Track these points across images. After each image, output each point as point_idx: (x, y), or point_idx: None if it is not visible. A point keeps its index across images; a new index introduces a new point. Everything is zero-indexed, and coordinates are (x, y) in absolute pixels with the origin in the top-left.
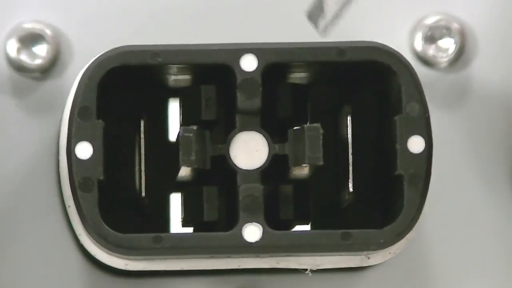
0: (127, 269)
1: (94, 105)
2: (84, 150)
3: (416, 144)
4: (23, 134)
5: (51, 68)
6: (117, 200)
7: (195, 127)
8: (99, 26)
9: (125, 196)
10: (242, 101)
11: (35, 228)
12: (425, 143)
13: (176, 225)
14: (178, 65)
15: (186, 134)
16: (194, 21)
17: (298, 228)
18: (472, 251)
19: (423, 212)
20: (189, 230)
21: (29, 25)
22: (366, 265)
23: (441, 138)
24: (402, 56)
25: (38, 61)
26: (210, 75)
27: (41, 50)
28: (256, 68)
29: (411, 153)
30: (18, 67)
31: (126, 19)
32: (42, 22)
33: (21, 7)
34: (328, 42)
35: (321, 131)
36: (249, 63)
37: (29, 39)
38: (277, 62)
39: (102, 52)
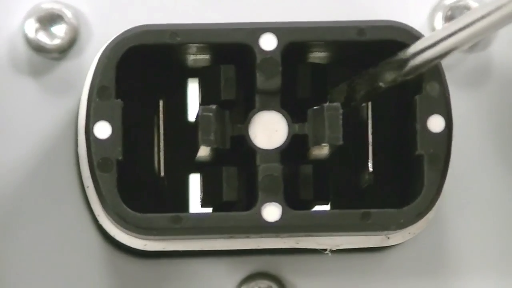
0: (145, 249)
1: (113, 84)
2: (103, 130)
3: (436, 123)
4: (41, 114)
5: (69, 48)
6: (136, 181)
7: (214, 107)
8: (117, 6)
9: (144, 176)
10: (261, 81)
11: (54, 209)
12: (445, 122)
13: (195, 206)
14: (197, 45)
15: (206, 114)
16: (214, 0)
17: (317, 208)
18: (491, 233)
19: (442, 192)
20: (208, 210)
21: (47, 5)
22: (386, 245)
23: (462, 118)
24: (422, 35)
25: (56, 41)
26: (229, 55)
27: (60, 31)
28: (276, 48)
29: (431, 132)
30: (37, 47)
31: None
32: (61, 2)
33: None
34: (348, 21)
35: (341, 110)
36: (268, 42)
37: (48, 19)
38: (297, 41)
39: (121, 32)
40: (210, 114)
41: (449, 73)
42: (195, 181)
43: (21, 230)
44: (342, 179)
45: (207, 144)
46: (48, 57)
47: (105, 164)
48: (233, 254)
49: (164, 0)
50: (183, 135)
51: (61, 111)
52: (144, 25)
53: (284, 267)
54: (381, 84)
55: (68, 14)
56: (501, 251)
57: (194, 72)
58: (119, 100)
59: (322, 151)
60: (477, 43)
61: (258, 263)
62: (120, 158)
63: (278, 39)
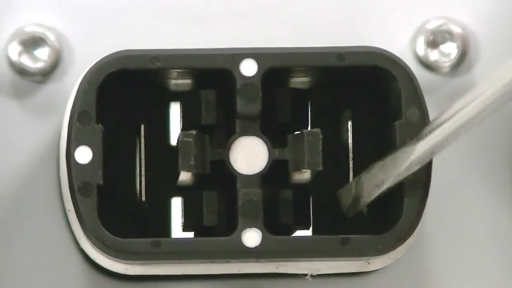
0: (127, 273)
1: (93, 109)
2: (83, 155)
3: None
4: (24, 137)
5: (52, 71)
6: (118, 205)
7: (194, 132)
8: (100, 30)
9: (125, 200)
10: (242, 106)
11: (36, 231)
12: None
13: (177, 230)
14: (177, 70)
15: (186, 139)
16: (196, 25)
17: (298, 233)
18: (473, 257)
19: (423, 217)
20: (191, 234)
21: (30, 29)
22: (366, 270)
23: None
24: (401, 60)
25: (39, 65)
26: (210, 79)
27: (43, 54)
28: (256, 73)
29: None
30: (20, 70)
31: (127, 24)
32: (44, 25)
33: (23, 11)
34: (328, 47)
35: (321, 136)
36: (249, 68)
37: (31, 43)
38: (277, 66)
39: (102, 57)
40: (190, 139)
41: (432, 98)
42: (177, 205)
43: (3, 252)
44: (324, 204)
45: (186, 169)
46: (31, 80)
47: (85, 188)
48: (214, 278)
49: (147, 25)
50: (166, 159)
51: (44, 134)
52: (125, 50)
53: None
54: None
55: (51, 37)
56: (482, 276)
57: (176, 96)
58: (99, 124)
59: (303, 176)
60: (460, 67)
61: (240, 286)
62: (100, 182)
63: (258, 64)
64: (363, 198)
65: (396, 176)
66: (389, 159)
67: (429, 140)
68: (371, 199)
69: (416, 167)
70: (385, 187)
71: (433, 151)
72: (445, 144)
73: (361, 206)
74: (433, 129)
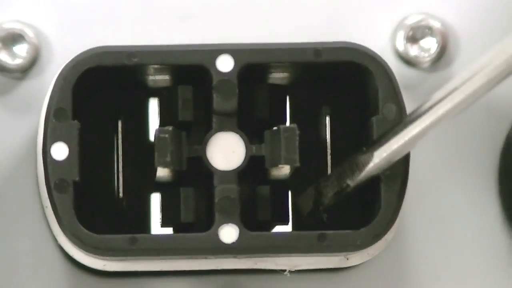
0: (105, 269)
1: (69, 106)
2: (59, 151)
3: None
4: (2, 134)
5: (31, 68)
6: (95, 201)
7: (170, 128)
8: (79, 27)
9: (103, 197)
10: (218, 102)
11: (15, 228)
12: None
13: (156, 226)
14: (154, 66)
15: (162, 135)
16: (173, 22)
17: (277, 229)
18: (451, 253)
19: (402, 213)
20: (169, 230)
21: (9, 25)
22: (345, 266)
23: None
24: (378, 56)
25: (18, 61)
26: (188, 76)
27: (21, 50)
28: (233, 69)
29: None
30: None
31: (106, 20)
32: (22, 21)
33: (1, 7)
34: (305, 43)
35: (297, 132)
36: (225, 64)
37: (9, 39)
38: (254, 62)
39: (78, 53)
40: (166, 135)
41: (412, 93)
42: (156, 201)
43: None
44: None
45: (163, 165)
46: (9, 77)
47: (61, 185)
48: (193, 274)
49: (125, 22)
50: (145, 155)
51: (22, 131)
52: (101, 46)
53: (244, 287)
54: (349, 183)
55: (29, 33)
56: (461, 270)
57: (155, 92)
58: (75, 121)
59: (282, 172)
60: (439, 62)
61: (219, 282)
62: (77, 179)
63: (235, 60)
64: (323, 206)
65: (355, 183)
66: (346, 167)
67: (384, 149)
68: (330, 205)
69: (374, 173)
70: (343, 194)
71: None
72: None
73: (320, 213)
74: (389, 139)
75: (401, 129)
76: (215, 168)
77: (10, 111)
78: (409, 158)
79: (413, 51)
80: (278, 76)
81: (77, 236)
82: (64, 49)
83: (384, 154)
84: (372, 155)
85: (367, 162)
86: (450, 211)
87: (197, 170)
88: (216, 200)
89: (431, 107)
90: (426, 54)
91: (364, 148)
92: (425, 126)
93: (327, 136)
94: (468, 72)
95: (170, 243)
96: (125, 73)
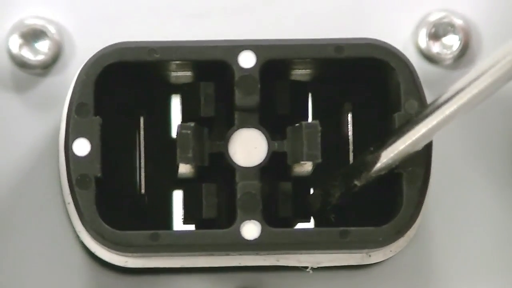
0: (127, 266)
1: (91, 101)
2: (81, 147)
3: None
4: (24, 130)
5: (52, 64)
6: (117, 197)
7: (192, 124)
8: (101, 23)
9: (125, 193)
10: (240, 98)
11: (37, 224)
12: None
13: (178, 223)
14: (176, 62)
15: (184, 131)
16: (195, 18)
17: (299, 226)
18: (474, 249)
19: (424, 210)
20: (191, 227)
21: (31, 21)
22: (367, 263)
23: (444, 135)
24: (400, 52)
25: (40, 57)
26: (210, 72)
27: (43, 46)
28: (254, 65)
29: None
30: (20, 63)
31: (128, 16)
32: (44, 18)
33: (23, 3)
34: (327, 39)
35: (319, 128)
36: (247, 60)
37: (31, 35)
38: (275, 58)
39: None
40: (188, 131)
41: (434, 90)
42: (178, 197)
43: (4, 245)
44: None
45: (185, 161)
46: (31, 73)
47: (83, 181)
48: (215, 271)
49: (147, 18)
50: (166, 152)
51: (44, 126)
52: (123, 42)
53: (266, 284)
54: (356, 183)
55: (51, 29)
56: (484, 267)
57: (177, 88)
58: (97, 117)
59: (304, 168)
60: (462, 59)
61: (240, 280)
62: (99, 175)
63: (256, 56)
64: (330, 205)
65: (362, 182)
66: (354, 166)
67: (392, 149)
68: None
69: (382, 173)
70: (350, 194)
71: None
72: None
73: (328, 213)
74: (396, 138)
75: (408, 129)
76: (237, 164)
77: (32, 107)
78: (431, 154)
79: (435, 48)
80: (299, 73)
81: (99, 232)
82: (86, 45)
83: (392, 154)
84: (379, 155)
85: (375, 162)
86: (472, 207)
87: (219, 167)
88: (238, 196)
89: (438, 107)
90: (448, 51)
91: (372, 148)
92: (432, 126)
93: (349, 133)
94: (475, 72)
95: (192, 239)
96: (146, 69)
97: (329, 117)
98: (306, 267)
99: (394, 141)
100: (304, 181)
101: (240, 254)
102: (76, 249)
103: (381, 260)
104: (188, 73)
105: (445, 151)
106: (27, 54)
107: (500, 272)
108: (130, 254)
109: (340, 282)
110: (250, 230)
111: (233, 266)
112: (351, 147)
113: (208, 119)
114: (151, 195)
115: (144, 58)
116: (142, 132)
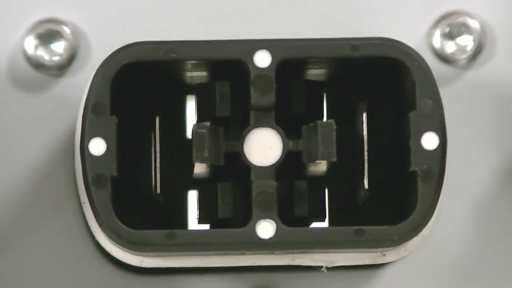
0: (142, 266)
1: (107, 101)
2: (97, 146)
3: (429, 140)
4: (41, 130)
5: (68, 65)
6: (133, 197)
7: (208, 123)
8: (117, 23)
9: (140, 193)
10: (256, 97)
11: (52, 224)
12: (439, 139)
13: (193, 222)
14: (192, 61)
15: (200, 131)
16: (210, 18)
17: (314, 225)
18: (488, 249)
19: (438, 209)
20: (206, 227)
21: (47, 22)
22: (382, 262)
23: (459, 135)
24: (415, 52)
25: (56, 58)
26: (226, 71)
27: (59, 47)
28: (270, 64)
29: (424, 149)
30: (36, 64)
31: (143, 16)
32: (60, 19)
33: (39, 4)
34: (342, 38)
35: (334, 127)
36: (262, 59)
37: (47, 36)
38: (291, 58)
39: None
40: (204, 131)
41: (448, 90)
42: (193, 198)
43: (20, 245)
44: (339, 195)
45: (200, 160)
46: (47, 74)
47: (99, 180)
48: (230, 271)
49: (162, 18)
50: (182, 152)
51: (60, 127)
52: (139, 42)
53: (281, 284)
54: None
55: (67, 31)
56: (498, 267)
57: (192, 89)
58: (113, 116)
59: (319, 167)
60: (476, 60)
61: (255, 279)
62: (114, 174)
63: (272, 55)
64: None
65: None
66: None
67: None
68: None
69: None
70: None
71: None
72: None
73: None
74: None
75: None
76: (252, 163)
77: (47, 108)
78: (446, 152)
79: (449, 48)
80: (315, 73)
81: (115, 231)
82: (101, 46)
83: None
84: None
85: None
86: (486, 206)
87: (235, 166)
88: (254, 195)
89: None
90: (463, 52)
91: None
92: None
93: (364, 132)
94: None
95: (208, 238)
96: (163, 68)
97: (344, 116)
98: (321, 267)
99: None
100: (319, 181)
101: (255, 254)
102: (91, 249)
103: (395, 260)
104: (204, 73)
105: (459, 149)
106: (43, 55)
107: None
108: (146, 254)
109: (354, 281)
110: (266, 229)
111: (248, 266)
112: (366, 147)
113: (223, 119)
114: (166, 195)
115: (161, 58)
116: (157, 132)
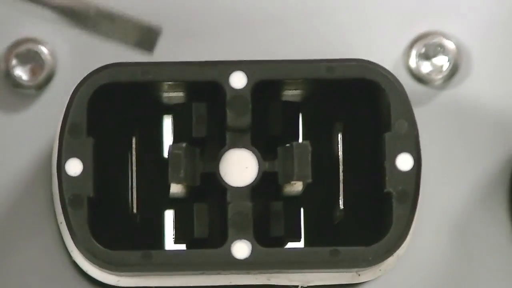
0: (118, 285)
1: (84, 122)
2: (74, 167)
3: (404, 161)
4: (18, 150)
5: (46, 85)
6: (110, 217)
7: (184, 144)
8: (94, 44)
9: (117, 212)
10: (231, 118)
11: (29, 244)
12: (414, 160)
13: (170, 242)
14: (167, 82)
15: (176, 151)
16: (187, 39)
17: (290, 245)
18: (465, 268)
19: (414, 229)
20: (183, 247)
21: (25, 42)
22: (357, 282)
23: (434, 154)
24: (391, 73)
25: (33, 78)
26: (202, 92)
27: (37, 67)
28: (246, 85)
29: (399, 170)
30: (14, 83)
31: None
32: (38, 39)
33: (17, 24)
34: (318, 60)
35: (310, 148)
36: (238, 80)
37: (25, 56)
38: (267, 79)
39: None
40: (180, 152)
41: (424, 110)
42: (170, 217)
43: None
44: (315, 215)
45: (176, 181)
46: (25, 93)
47: (76, 200)
48: None
49: None
50: (159, 171)
51: (37, 147)
52: (116, 62)
53: None
54: None
55: (44, 51)
56: (474, 286)
57: (169, 109)
58: (90, 137)
59: (295, 188)
60: (452, 80)
61: None
62: (91, 195)
63: (247, 77)
64: None
65: None
66: None
67: None
68: None
69: None
70: None
71: None
72: None
73: None
74: None
75: None
76: (228, 184)
77: (25, 127)
78: (421, 173)
79: (425, 68)
80: (291, 93)
81: (91, 251)
82: (79, 66)
83: None
84: None
85: None
86: (462, 226)
87: (211, 186)
88: (229, 216)
89: None
90: (438, 72)
91: None
92: None
93: (340, 153)
94: None
95: (184, 258)
96: (139, 89)
97: (320, 136)
98: (296, 286)
99: None
100: (295, 201)
101: (231, 273)
102: (69, 268)
103: (370, 279)
104: (181, 94)
105: (433, 168)
106: (20, 74)
107: None
108: (122, 274)
109: None
110: (241, 249)
111: (224, 286)
112: (341, 167)
113: (199, 140)
114: (143, 214)
115: (137, 79)
116: (134, 152)
